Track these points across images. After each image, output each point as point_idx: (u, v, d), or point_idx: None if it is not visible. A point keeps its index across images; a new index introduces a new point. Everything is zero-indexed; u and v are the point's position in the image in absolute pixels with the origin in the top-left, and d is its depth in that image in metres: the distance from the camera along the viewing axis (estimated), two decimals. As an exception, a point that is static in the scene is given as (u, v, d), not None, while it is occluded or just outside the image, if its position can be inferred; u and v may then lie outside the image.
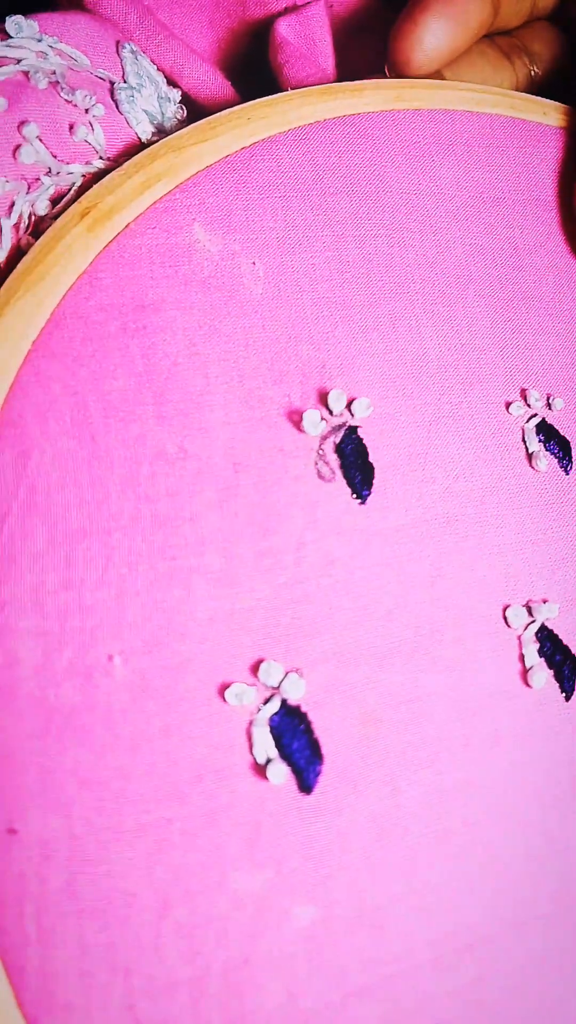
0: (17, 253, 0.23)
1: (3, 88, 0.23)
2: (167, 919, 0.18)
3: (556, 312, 0.27)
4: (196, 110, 0.28)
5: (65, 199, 0.23)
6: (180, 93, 0.28)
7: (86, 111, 0.24)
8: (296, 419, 0.22)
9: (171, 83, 0.28)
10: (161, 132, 0.26)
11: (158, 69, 0.28)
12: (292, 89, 0.28)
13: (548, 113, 0.30)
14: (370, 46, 0.33)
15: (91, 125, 0.24)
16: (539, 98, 0.30)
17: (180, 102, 0.28)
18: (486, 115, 0.29)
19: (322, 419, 0.22)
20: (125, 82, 0.26)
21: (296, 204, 0.25)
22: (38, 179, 0.23)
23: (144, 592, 0.20)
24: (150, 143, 0.25)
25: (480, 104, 0.29)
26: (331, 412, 0.22)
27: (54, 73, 0.23)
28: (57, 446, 0.20)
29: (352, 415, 0.22)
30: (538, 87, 0.32)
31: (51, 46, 0.24)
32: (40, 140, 0.23)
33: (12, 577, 0.19)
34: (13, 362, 0.21)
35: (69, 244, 0.22)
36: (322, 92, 0.27)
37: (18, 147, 0.22)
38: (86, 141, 0.24)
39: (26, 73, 0.23)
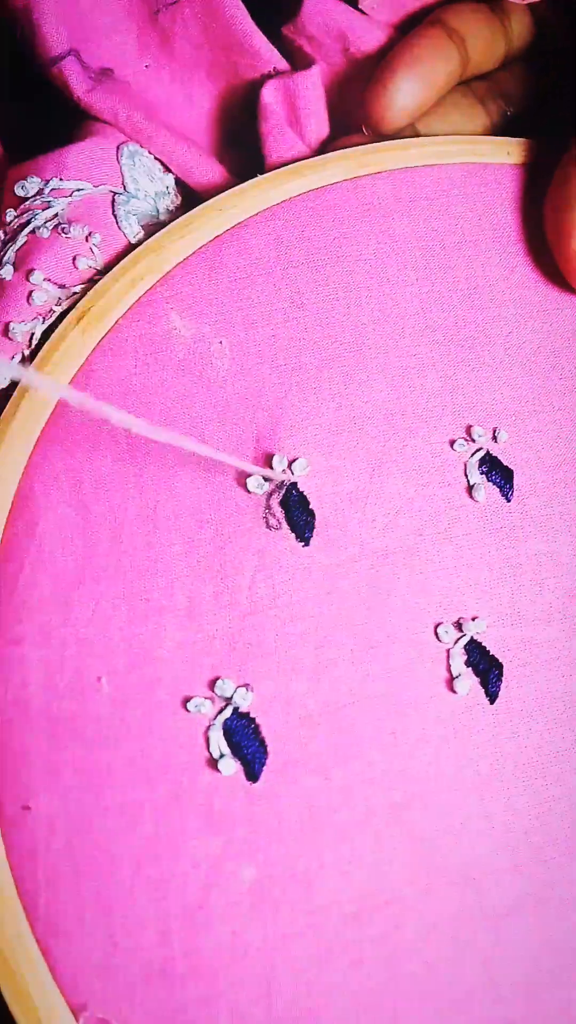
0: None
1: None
2: (139, 874, 0.24)
3: (515, 343, 0.30)
4: (193, 194, 0.33)
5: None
6: (174, 178, 0.32)
7: (86, 240, 0.29)
8: (245, 480, 0.27)
9: (165, 168, 0.33)
10: (157, 227, 0.30)
11: (156, 159, 0.33)
12: (271, 164, 0.32)
13: (512, 152, 0.32)
14: None
15: (92, 251, 0.29)
16: (502, 139, 0.32)
17: (175, 189, 0.32)
18: (445, 166, 0.31)
19: (265, 480, 0.27)
20: (124, 190, 0.30)
21: (260, 282, 0.29)
22: (51, 310, 0.29)
23: (125, 626, 0.26)
24: (139, 243, 0.30)
25: (443, 156, 0.32)
26: (273, 470, 0.27)
27: (56, 216, 0.29)
28: (58, 513, 0.26)
29: (292, 473, 0.27)
30: (515, 124, 0.34)
31: (53, 189, 0.30)
32: (49, 281, 0.28)
33: (27, 618, 0.26)
34: (27, 447, 0.27)
35: (67, 348, 0.28)
36: (290, 172, 0.31)
37: (31, 293, 0.28)
38: (90, 266, 0.29)
39: (32, 232, 0.29)
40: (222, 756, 0.25)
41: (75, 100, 0.32)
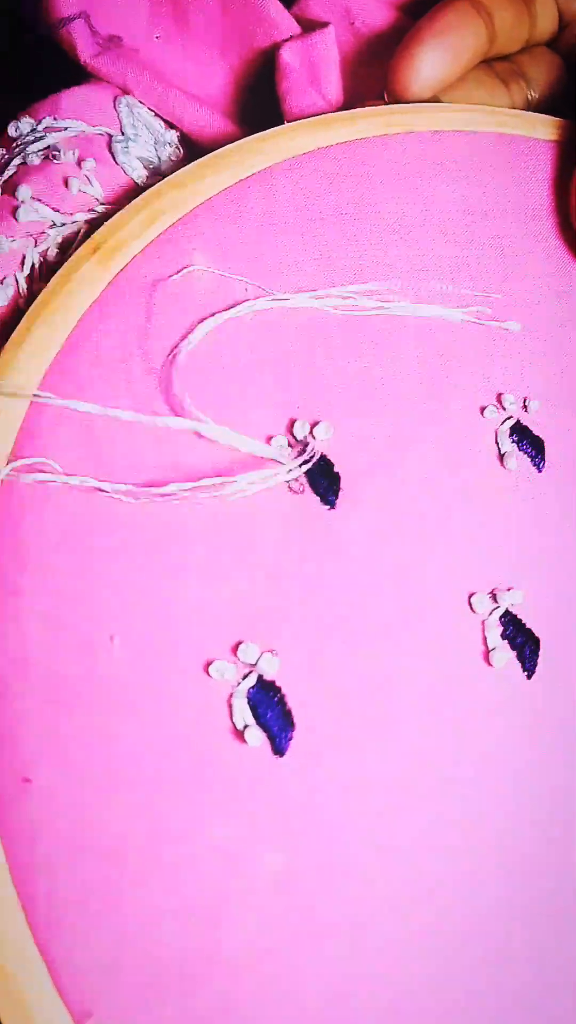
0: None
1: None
2: (155, 859, 0.21)
3: (541, 316, 0.29)
4: (198, 150, 0.31)
5: (76, 241, 0.27)
6: (178, 135, 0.31)
7: (79, 166, 0.27)
8: (269, 441, 0.25)
9: (170, 126, 0.31)
10: (157, 174, 0.29)
11: (156, 116, 0.31)
12: (293, 118, 0.31)
13: (537, 128, 0.31)
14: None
15: (87, 179, 0.27)
16: (528, 113, 0.32)
17: (179, 143, 0.31)
18: (475, 134, 0.31)
19: (289, 444, 0.25)
20: (122, 134, 0.29)
21: (288, 230, 0.27)
22: (44, 232, 0.26)
23: (139, 583, 0.23)
24: (147, 185, 0.28)
25: (470, 124, 0.31)
26: (295, 439, 0.25)
27: (48, 147, 0.27)
28: (67, 454, 0.24)
29: (314, 437, 0.25)
30: (535, 110, 0.33)
31: (47, 127, 0.28)
32: (38, 200, 0.26)
33: (29, 567, 0.23)
34: (35, 379, 0.24)
35: (82, 277, 0.25)
36: (316, 123, 0.29)
37: (15, 209, 0.26)
38: (84, 192, 0.27)
39: (23, 163, 0.27)
40: (247, 726, 0.22)
41: (81, 64, 0.31)
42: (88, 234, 0.26)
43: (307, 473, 0.25)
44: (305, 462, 0.24)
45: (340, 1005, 0.21)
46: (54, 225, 0.27)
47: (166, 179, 0.27)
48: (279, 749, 0.22)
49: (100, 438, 0.24)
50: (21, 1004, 0.20)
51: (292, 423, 0.25)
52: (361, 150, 0.29)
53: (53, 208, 0.27)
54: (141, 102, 0.32)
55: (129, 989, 0.20)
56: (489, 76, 0.33)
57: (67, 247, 0.27)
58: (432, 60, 0.30)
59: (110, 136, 0.30)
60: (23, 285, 0.26)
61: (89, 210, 0.28)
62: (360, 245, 0.28)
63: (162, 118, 0.32)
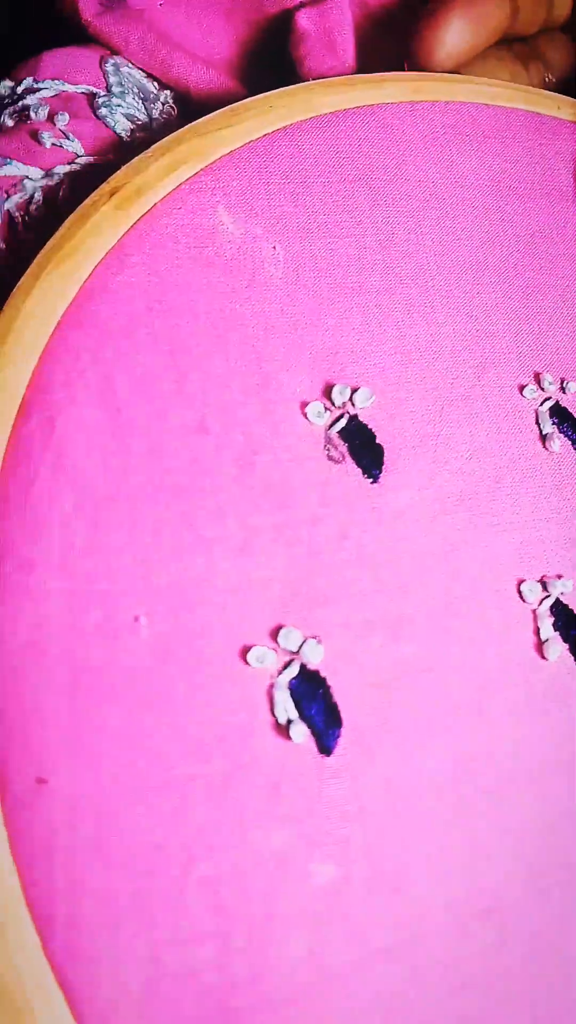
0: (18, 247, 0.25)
1: None
2: (191, 874, 0.18)
3: (569, 299, 0.28)
4: (193, 110, 0.30)
5: (61, 194, 0.25)
6: (172, 95, 0.30)
7: (51, 121, 0.26)
8: (304, 408, 0.23)
9: (163, 86, 0.30)
10: (146, 129, 0.28)
11: (149, 77, 0.30)
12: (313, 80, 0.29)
13: (562, 107, 0.30)
14: (401, 37, 0.33)
15: (63, 133, 0.26)
16: (553, 93, 0.31)
17: (172, 102, 0.30)
18: (502, 108, 0.29)
19: (326, 409, 0.23)
20: (108, 91, 0.28)
21: (317, 190, 0.25)
22: (16, 185, 0.25)
23: (168, 558, 0.20)
24: (134, 139, 0.27)
25: (496, 98, 0.29)
26: (334, 404, 0.23)
27: (24, 108, 0.25)
28: (84, 415, 0.21)
29: (354, 405, 0.23)
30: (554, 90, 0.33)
31: (26, 88, 0.27)
32: (9, 158, 0.26)
33: (42, 539, 0.20)
34: (44, 331, 0.21)
35: (98, 221, 0.23)
36: (343, 82, 0.27)
37: None
38: (59, 145, 0.26)
39: None
40: (291, 721, 0.20)
41: (83, 24, 0.30)
42: (70, 187, 0.24)
43: (349, 445, 0.23)
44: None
45: (404, 1038, 0.18)
46: (28, 178, 0.25)
47: (188, 126, 0.25)
48: (326, 748, 0.20)
49: (117, 398, 0.21)
50: (37, 1048, 0.16)
51: (329, 387, 0.23)
52: (388, 115, 0.28)
53: (25, 163, 0.26)
54: (139, 65, 0.30)
55: (164, 1027, 0.17)
56: (509, 56, 0.32)
57: (53, 200, 0.25)
58: (458, 30, 0.29)
59: (93, 95, 0.28)
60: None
61: (69, 163, 0.26)
62: (391, 210, 0.26)
63: (156, 79, 0.30)
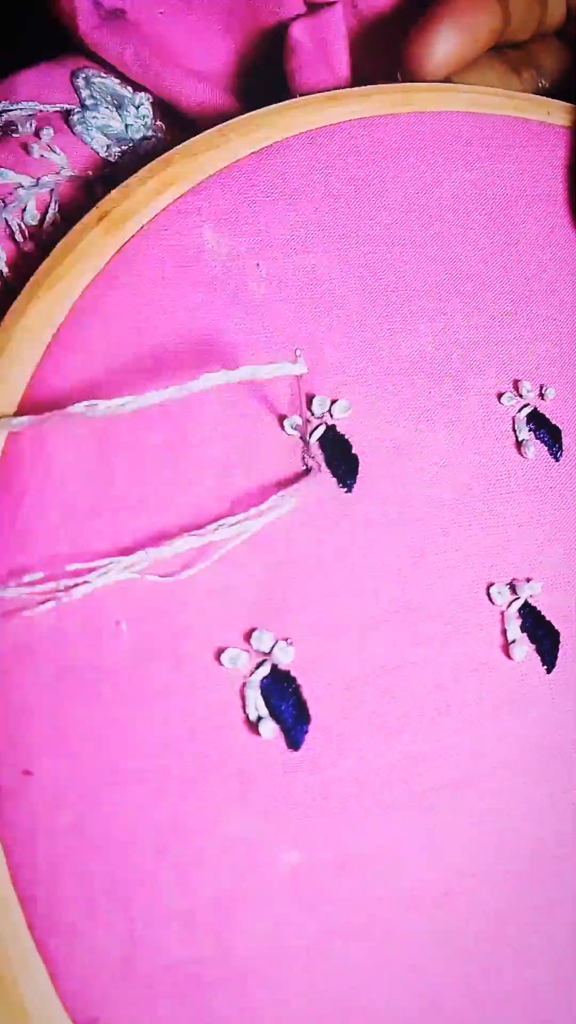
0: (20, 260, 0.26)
1: None
2: (164, 857, 0.20)
3: (555, 304, 0.29)
4: (184, 120, 0.31)
5: (54, 206, 0.27)
6: (150, 98, 0.31)
7: (37, 136, 0.28)
8: (282, 421, 0.24)
9: (140, 88, 0.31)
10: (122, 142, 0.29)
11: (123, 84, 0.31)
12: (303, 94, 0.30)
13: (552, 112, 0.31)
14: (395, 44, 0.34)
15: (49, 146, 0.28)
16: (543, 98, 0.31)
17: (151, 106, 0.31)
18: (489, 116, 0.30)
19: (305, 420, 0.24)
20: (82, 106, 0.29)
21: (301, 206, 0.26)
22: (11, 194, 0.27)
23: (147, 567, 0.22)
24: (109, 156, 0.28)
25: (484, 106, 0.30)
26: (313, 414, 0.24)
27: (5, 124, 0.28)
28: (72, 432, 0.22)
29: (332, 416, 0.24)
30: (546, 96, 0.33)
31: (4, 111, 0.29)
32: (2, 167, 0.27)
33: (30, 548, 0.21)
34: (36, 352, 0.23)
35: (87, 246, 0.24)
36: (329, 98, 0.28)
37: None
38: (46, 157, 0.28)
39: None
40: (261, 718, 0.21)
41: (79, 35, 0.31)
42: (58, 199, 0.26)
43: (325, 454, 0.24)
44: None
45: (362, 1007, 0.20)
46: (22, 187, 0.27)
47: (177, 147, 0.26)
48: (294, 743, 0.21)
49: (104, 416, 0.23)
50: (21, 1011, 0.18)
51: (311, 397, 0.24)
52: (373, 127, 0.28)
53: (17, 171, 0.27)
54: (133, 79, 0.31)
55: (136, 995, 0.19)
56: (501, 63, 0.33)
57: (43, 213, 0.27)
58: (448, 39, 0.29)
59: (68, 112, 0.29)
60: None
61: (56, 173, 0.28)
62: (374, 223, 0.27)
63: (131, 84, 0.31)
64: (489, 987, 0.21)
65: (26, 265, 0.27)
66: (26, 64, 0.32)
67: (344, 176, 0.27)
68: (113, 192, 0.25)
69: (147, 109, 0.31)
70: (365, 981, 0.20)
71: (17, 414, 0.22)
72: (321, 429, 0.24)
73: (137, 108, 0.31)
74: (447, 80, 0.31)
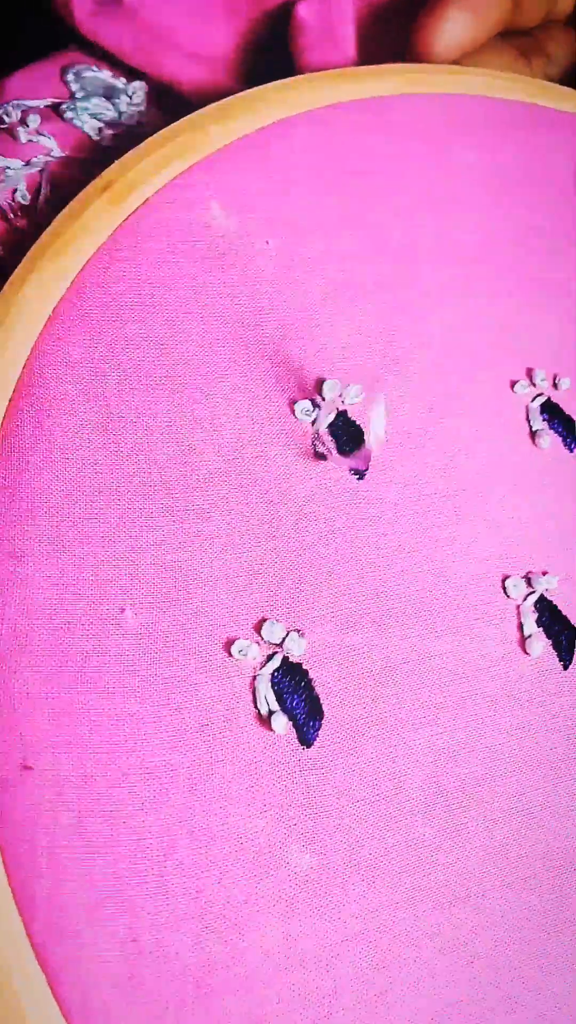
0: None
1: None
2: (171, 858, 0.19)
3: (567, 293, 0.28)
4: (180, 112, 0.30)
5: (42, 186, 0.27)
6: (144, 85, 0.30)
7: (24, 123, 0.28)
8: (292, 404, 0.23)
9: (133, 78, 0.30)
10: (114, 126, 0.29)
11: (115, 71, 0.30)
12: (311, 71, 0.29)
13: (564, 100, 0.30)
14: (402, 29, 0.33)
15: (36, 131, 0.28)
16: (557, 85, 0.31)
17: (145, 94, 0.30)
18: (500, 100, 0.29)
19: (315, 406, 0.23)
20: (72, 98, 0.29)
21: (311, 184, 0.26)
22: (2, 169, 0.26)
23: (154, 550, 0.21)
24: (102, 139, 0.28)
25: (497, 90, 0.29)
26: (324, 400, 0.23)
27: None
28: (74, 408, 0.21)
29: (343, 401, 0.23)
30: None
31: None
32: None
33: (30, 529, 0.20)
34: (36, 324, 0.22)
35: (91, 216, 0.23)
36: (339, 75, 0.27)
37: None
38: (34, 141, 0.27)
39: None
40: (272, 712, 0.20)
41: (75, 25, 0.30)
42: (50, 177, 0.26)
43: (336, 440, 0.23)
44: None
45: (378, 1013, 0.19)
46: (10, 168, 0.27)
47: (184, 118, 0.25)
48: (306, 740, 0.20)
49: (107, 391, 0.22)
50: (18, 1021, 0.17)
51: (319, 384, 0.23)
52: (385, 107, 0.28)
53: (6, 157, 0.27)
54: (132, 65, 0.30)
55: (141, 1004, 0.18)
56: (510, 49, 0.32)
57: (35, 193, 0.26)
58: (457, 22, 0.29)
59: (58, 105, 0.29)
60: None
61: (47, 154, 0.27)
62: (388, 204, 0.26)
63: (124, 73, 0.31)
64: (510, 991, 0.20)
65: (20, 241, 0.26)
66: (26, 64, 0.31)
67: (355, 156, 0.27)
68: (116, 163, 0.24)
69: (141, 97, 0.30)
70: (384, 989, 0.19)
71: (17, 384, 0.21)
72: (332, 416, 0.23)
73: (131, 96, 0.30)
74: (455, 63, 0.30)
